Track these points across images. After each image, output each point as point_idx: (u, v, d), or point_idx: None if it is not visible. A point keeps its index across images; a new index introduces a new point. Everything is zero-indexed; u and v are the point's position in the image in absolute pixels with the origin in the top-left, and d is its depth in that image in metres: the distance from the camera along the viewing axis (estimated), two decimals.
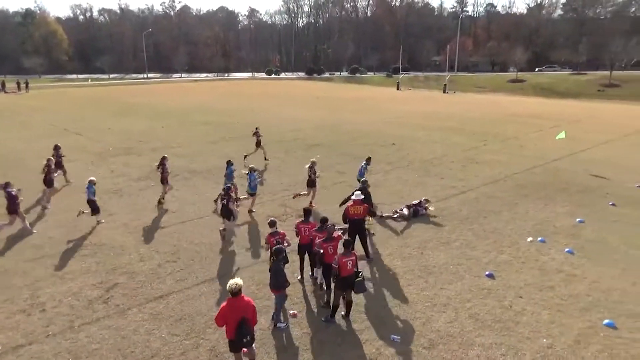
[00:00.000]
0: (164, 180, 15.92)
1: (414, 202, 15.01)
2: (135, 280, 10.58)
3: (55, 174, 16.51)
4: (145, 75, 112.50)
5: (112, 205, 15.74)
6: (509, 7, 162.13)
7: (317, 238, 9.78)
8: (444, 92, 70.47)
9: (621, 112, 45.48)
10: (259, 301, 9.55)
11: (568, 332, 8.69)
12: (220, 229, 12.85)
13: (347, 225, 11.49)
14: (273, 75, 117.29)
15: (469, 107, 49.00)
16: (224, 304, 7.01)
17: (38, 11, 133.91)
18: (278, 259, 8.55)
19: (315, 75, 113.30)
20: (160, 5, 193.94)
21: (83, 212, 13.78)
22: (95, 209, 13.87)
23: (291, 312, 9.24)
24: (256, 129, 22.90)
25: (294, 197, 15.98)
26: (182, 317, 9.10)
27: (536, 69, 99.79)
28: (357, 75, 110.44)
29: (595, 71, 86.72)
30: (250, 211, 15.09)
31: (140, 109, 43.91)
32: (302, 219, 10.57)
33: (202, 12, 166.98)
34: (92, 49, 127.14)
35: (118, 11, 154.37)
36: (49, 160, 16.18)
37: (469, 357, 8.01)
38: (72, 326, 8.81)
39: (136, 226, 13.87)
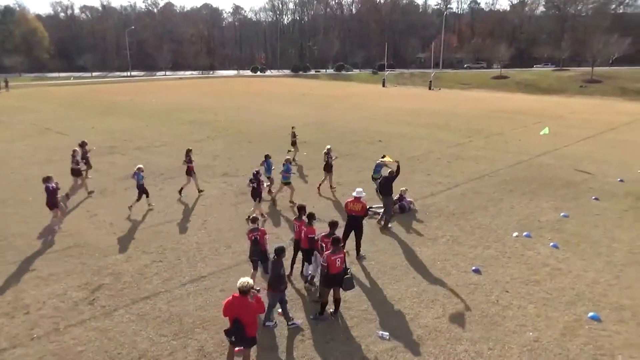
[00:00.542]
0: (190, 172, 16.53)
1: (395, 198, 15.06)
2: (121, 280, 10.45)
3: (84, 168, 17.22)
4: (128, 74, 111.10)
5: (97, 205, 15.53)
6: (493, 4, 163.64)
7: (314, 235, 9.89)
8: (430, 88, 70.89)
9: (602, 108, 46.19)
10: None
11: (554, 325, 8.81)
12: (250, 212, 13.55)
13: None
14: (259, 73, 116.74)
15: (454, 103, 49.37)
16: (229, 297, 7.05)
17: (17, 8, 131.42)
18: (279, 257, 8.52)
19: (301, 72, 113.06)
20: (143, 2, 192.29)
21: (132, 206, 14.72)
22: (145, 193, 14.92)
23: (279, 310, 9.20)
24: (292, 128, 22.74)
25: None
26: (169, 318, 9.02)
27: (534, 66, 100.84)
28: (343, 72, 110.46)
29: (577, 67, 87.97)
30: (291, 202, 15.65)
31: (123, 108, 43.40)
32: (298, 216, 10.55)
33: (185, 9, 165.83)
34: (74, 47, 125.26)
35: (100, 8, 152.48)
36: (74, 151, 16.65)
37: (456, 352, 8.07)
38: (57, 328, 8.68)
39: (121, 226, 13.70)
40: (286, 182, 15.52)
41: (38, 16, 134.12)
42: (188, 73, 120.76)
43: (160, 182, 18.32)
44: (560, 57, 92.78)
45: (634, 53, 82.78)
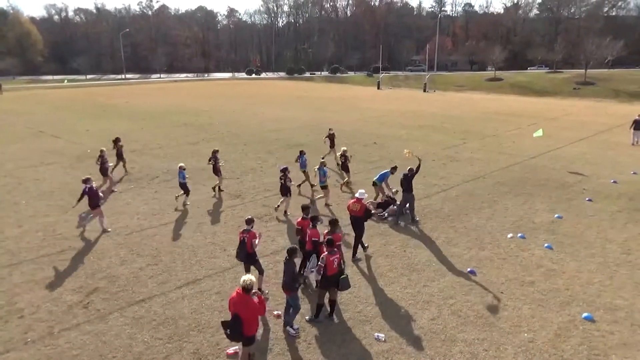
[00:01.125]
0: (216, 172, 17.04)
1: (385, 199, 15.12)
2: (116, 284, 10.42)
3: (112, 164, 18.02)
4: (123, 76, 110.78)
5: None
6: (486, 7, 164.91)
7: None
8: (424, 90, 71.10)
9: (596, 110, 46.47)
10: None
11: (548, 326, 8.85)
12: (276, 205, 14.96)
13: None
14: (253, 76, 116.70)
15: (448, 105, 49.53)
16: (234, 293, 7.10)
17: (11, 11, 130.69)
18: (291, 258, 8.49)
19: (296, 75, 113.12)
20: (138, 4, 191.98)
21: (178, 196, 15.77)
22: (186, 191, 15.58)
23: (275, 312, 9.20)
24: (330, 130, 22.64)
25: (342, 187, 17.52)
26: (164, 321, 8.99)
27: (528, 68, 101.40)
28: (338, 74, 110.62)
29: (571, 69, 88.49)
30: (327, 205, 15.76)
31: (118, 111, 43.27)
32: (303, 216, 10.59)
33: (180, 12, 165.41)
34: (68, 50, 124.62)
35: (94, 11, 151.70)
36: (102, 151, 17.41)
37: (452, 353, 8.09)
38: (52, 332, 8.64)
39: (116, 229, 13.66)
40: (323, 186, 15.68)
41: (32, 19, 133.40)
42: (183, 76, 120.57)
43: (156, 185, 18.28)
44: (553, 59, 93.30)
45: (627, 55, 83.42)
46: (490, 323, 8.94)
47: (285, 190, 14.75)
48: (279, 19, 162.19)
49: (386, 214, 14.72)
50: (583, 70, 74.74)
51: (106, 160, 17.23)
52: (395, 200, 15.10)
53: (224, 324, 7.03)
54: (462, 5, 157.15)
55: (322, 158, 17.79)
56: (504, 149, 25.29)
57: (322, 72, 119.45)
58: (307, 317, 9.10)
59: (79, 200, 13.29)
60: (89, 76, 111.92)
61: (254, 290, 6.97)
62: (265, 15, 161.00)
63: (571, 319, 9.07)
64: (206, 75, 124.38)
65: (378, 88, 76.26)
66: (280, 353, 8.14)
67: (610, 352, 8.12)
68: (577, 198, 16.72)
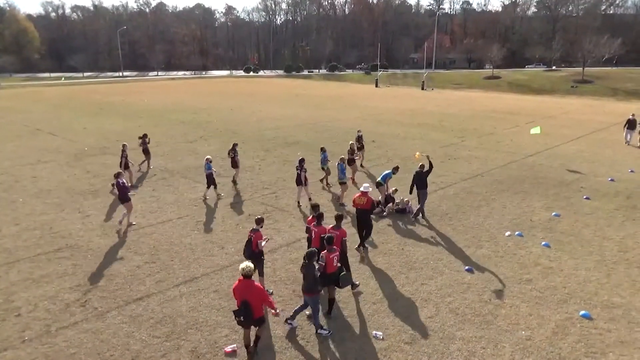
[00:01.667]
0: (234, 164, 17.85)
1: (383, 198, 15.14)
2: (113, 282, 10.40)
3: (132, 162, 18.33)
4: (120, 74, 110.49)
5: (89, 206, 15.44)
6: (485, 5, 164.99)
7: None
8: (422, 88, 71.10)
9: (593, 108, 46.54)
10: None
11: (546, 324, 8.87)
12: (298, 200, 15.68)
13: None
14: (251, 73, 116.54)
15: (446, 103, 49.54)
16: (236, 281, 7.52)
17: (7, 8, 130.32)
18: (310, 261, 8.36)
19: (294, 72, 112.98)
20: (135, 2, 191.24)
21: (207, 190, 16.23)
22: (213, 184, 16.12)
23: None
24: (358, 132, 21.90)
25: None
26: (162, 319, 8.98)
27: (525, 67, 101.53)
28: (336, 72, 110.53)
29: (568, 68, 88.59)
30: (341, 204, 15.76)
31: (116, 108, 43.16)
32: (313, 214, 10.57)
33: (178, 10, 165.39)
34: (65, 47, 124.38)
35: (91, 8, 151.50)
36: (124, 145, 17.82)
37: (450, 351, 8.10)
38: (49, 330, 8.62)
39: (114, 227, 13.63)
40: (342, 182, 15.85)
41: (29, 16, 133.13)
42: (181, 73, 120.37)
43: (153, 183, 18.25)
44: (551, 57, 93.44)
45: (625, 53, 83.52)
46: (488, 321, 8.96)
47: (300, 181, 15.50)
48: (276, 16, 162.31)
49: (385, 212, 14.71)
50: (581, 69, 74.84)
51: (127, 155, 17.64)
52: (394, 199, 15.08)
53: (236, 312, 7.46)
54: (460, 3, 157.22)
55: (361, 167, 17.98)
56: (501, 147, 25.31)
57: (320, 70, 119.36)
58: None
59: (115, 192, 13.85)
60: (86, 74, 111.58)
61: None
62: (263, 13, 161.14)
63: (569, 317, 9.09)
64: (204, 73, 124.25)
65: (376, 86, 76.24)
66: (279, 351, 8.14)
67: (608, 349, 8.14)
68: (574, 196, 16.75)
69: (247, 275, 7.34)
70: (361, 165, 20.57)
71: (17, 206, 15.45)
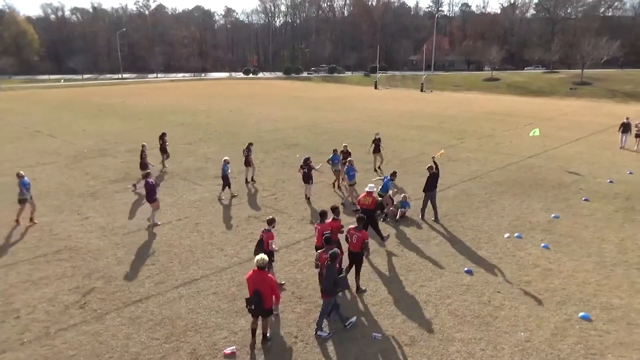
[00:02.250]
0: (248, 163, 18.19)
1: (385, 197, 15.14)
2: (112, 284, 10.39)
3: (152, 164, 18.39)
4: (120, 76, 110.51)
5: (88, 208, 15.43)
6: (483, 7, 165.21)
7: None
8: (421, 90, 71.18)
9: (592, 110, 46.61)
10: (239, 302, 9.52)
11: (545, 325, 8.87)
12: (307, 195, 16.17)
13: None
14: (251, 75, 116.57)
15: (445, 105, 49.58)
16: (250, 271, 7.91)
17: (7, 10, 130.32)
18: (333, 262, 8.41)
19: (293, 74, 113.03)
20: (135, 4, 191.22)
21: (222, 191, 16.44)
22: (228, 184, 16.27)
23: (275, 312, 9.18)
24: (376, 134, 21.21)
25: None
26: (161, 321, 8.98)
27: (524, 68, 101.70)
28: (335, 74, 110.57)
29: (567, 70, 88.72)
30: (342, 204, 15.85)
31: (115, 110, 43.16)
32: (334, 217, 10.62)
33: (177, 12, 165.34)
34: (64, 49, 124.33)
35: (91, 10, 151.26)
36: (143, 146, 18.02)
37: (449, 352, 8.10)
38: (48, 332, 8.61)
39: (113, 229, 13.63)
40: (351, 183, 16.11)
41: (28, 18, 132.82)
42: (180, 75, 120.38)
43: None
44: (550, 59, 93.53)
45: (623, 55, 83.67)
46: (487, 322, 8.96)
47: (307, 178, 15.99)
48: (276, 18, 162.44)
49: (385, 215, 14.71)
50: (580, 71, 74.96)
51: (146, 155, 17.82)
52: (393, 201, 15.08)
53: (248, 300, 7.81)
54: (459, 5, 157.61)
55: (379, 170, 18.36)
56: (500, 149, 25.34)
57: (319, 72, 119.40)
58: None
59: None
60: (85, 76, 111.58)
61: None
62: (263, 15, 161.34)
63: (568, 319, 9.09)
64: (203, 75, 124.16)
65: (375, 88, 76.31)
66: (278, 353, 8.14)
67: (607, 351, 8.15)
68: (573, 198, 16.76)
69: (261, 267, 7.74)
70: (379, 168, 20.59)
71: (16, 208, 15.39)
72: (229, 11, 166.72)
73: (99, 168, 20.89)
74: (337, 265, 8.87)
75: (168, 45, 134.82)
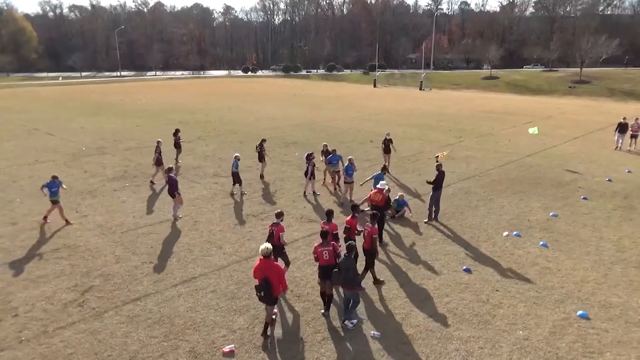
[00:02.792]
0: (261, 159, 18.59)
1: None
2: (111, 282, 10.38)
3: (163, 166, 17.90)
4: (118, 74, 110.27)
5: (86, 206, 15.41)
6: (482, 5, 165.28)
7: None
8: (421, 89, 71.12)
9: (591, 109, 46.61)
10: (238, 300, 9.52)
11: (543, 323, 8.88)
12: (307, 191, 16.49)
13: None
14: (250, 73, 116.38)
15: (444, 104, 49.56)
16: (257, 261, 8.18)
17: (5, 7, 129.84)
18: (350, 254, 8.58)
19: (292, 72, 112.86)
20: (133, 1, 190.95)
21: (234, 187, 16.64)
22: (239, 181, 16.42)
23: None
24: (387, 134, 21.02)
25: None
26: (160, 319, 8.97)
27: (523, 67, 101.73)
28: (334, 72, 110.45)
29: (566, 68, 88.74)
30: (346, 202, 15.67)
31: (113, 108, 43.09)
32: (353, 214, 10.74)
33: (176, 9, 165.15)
34: (62, 47, 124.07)
35: (89, 8, 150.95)
36: (158, 142, 18.23)
37: (447, 351, 8.11)
38: (46, 331, 8.60)
39: (111, 227, 13.61)
40: (347, 182, 16.08)
41: (26, 15, 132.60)
42: (179, 73, 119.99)
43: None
44: (549, 57, 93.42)
45: (621, 54, 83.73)
46: (486, 321, 8.97)
47: (308, 173, 16.25)
48: (275, 16, 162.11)
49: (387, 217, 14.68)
50: (578, 69, 74.96)
51: (161, 151, 17.95)
52: (390, 199, 15.04)
53: (258, 287, 8.04)
54: (458, 3, 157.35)
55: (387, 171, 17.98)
56: (499, 148, 25.34)
57: (318, 70, 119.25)
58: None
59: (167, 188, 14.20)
60: (83, 73, 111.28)
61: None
62: (262, 13, 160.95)
63: (566, 317, 9.10)
64: (202, 72, 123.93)
65: (374, 86, 76.25)
66: (278, 351, 8.13)
67: (605, 349, 8.16)
68: (572, 196, 16.78)
69: (266, 255, 8.00)
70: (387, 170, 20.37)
71: (14, 206, 15.41)
72: (227, 9, 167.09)
73: (97, 166, 20.86)
74: (334, 258, 8.88)
75: (166, 43, 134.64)
